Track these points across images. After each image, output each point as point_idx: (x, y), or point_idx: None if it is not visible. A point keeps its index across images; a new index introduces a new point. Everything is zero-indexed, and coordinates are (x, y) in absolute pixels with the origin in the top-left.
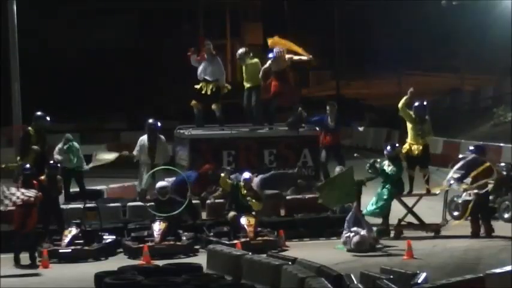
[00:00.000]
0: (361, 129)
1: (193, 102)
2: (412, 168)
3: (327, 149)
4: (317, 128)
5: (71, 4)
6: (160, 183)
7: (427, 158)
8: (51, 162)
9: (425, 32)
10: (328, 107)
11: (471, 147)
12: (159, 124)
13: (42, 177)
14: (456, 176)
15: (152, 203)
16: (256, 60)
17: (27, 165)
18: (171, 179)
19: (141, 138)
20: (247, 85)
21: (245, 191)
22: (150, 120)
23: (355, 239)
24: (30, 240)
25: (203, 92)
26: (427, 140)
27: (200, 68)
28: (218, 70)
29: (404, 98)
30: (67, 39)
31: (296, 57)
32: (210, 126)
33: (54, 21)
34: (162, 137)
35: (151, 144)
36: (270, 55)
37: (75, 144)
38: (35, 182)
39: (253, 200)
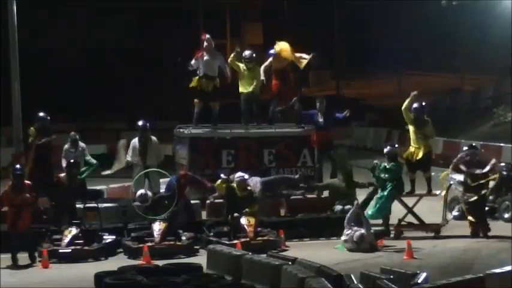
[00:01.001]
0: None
1: (196, 100)
2: (413, 171)
3: (319, 147)
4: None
5: (71, 4)
6: (138, 192)
7: (429, 162)
8: (72, 161)
9: (425, 32)
10: (317, 104)
11: (465, 147)
12: (148, 125)
13: (62, 175)
14: (456, 177)
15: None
16: (254, 66)
17: (18, 166)
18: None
19: (132, 140)
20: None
21: (239, 192)
22: (140, 122)
23: (355, 237)
24: (26, 240)
25: (204, 89)
26: (430, 143)
27: (202, 64)
28: (221, 65)
29: (408, 100)
30: (67, 39)
31: (298, 54)
32: (207, 125)
33: (54, 21)
34: (154, 137)
35: (143, 145)
36: (271, 51)
37: (82, 143)
38: (26, 183)
39: (248, 209)
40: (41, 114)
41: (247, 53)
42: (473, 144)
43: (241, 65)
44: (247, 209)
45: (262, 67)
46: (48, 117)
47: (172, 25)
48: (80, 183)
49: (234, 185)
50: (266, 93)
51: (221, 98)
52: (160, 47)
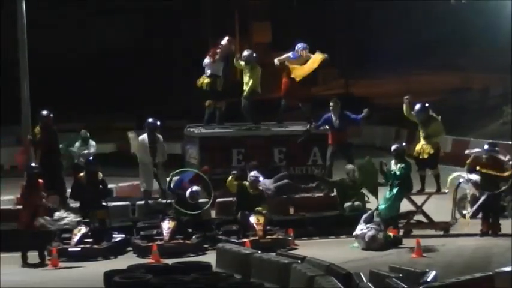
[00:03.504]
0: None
1: (209, 101)
2: (422, 169)
3: (334, 147)
4: (327, 126)
5: (79, 4)
6: (196, 189)
7: (436, 159)
8: (90, 158)
9: (434, 30)
10: (331, 104)
11: (486, 146)
12: (158, 123)
13: (81, 174)
14: (464, 174)
15: (173, 200)
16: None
17: (33, 164)
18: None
19: (140, 137)
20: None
21: (251, 190)
22: (150, 120)
23: (367, 237)
24: (39, 239)
25: (217, 88)
26: (439, 140)
27: (215, 65)
28: (225, 66)
29: (404, 106)
30: (76, 38)
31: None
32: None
33: (64, 21)
34: (160, 136)
35: (152, 143)
36: (291, 55)
37: (92, 141)
38: (40, 181)
39: (260, 208)
40: (44, 112)
41: (245, 53)
42: (492, 142)
43: (242, 63)
44: (258, 208)
45: (278, 58)
46: (51, 114)
47: (182, 25)
48: (102, 181)
49: (246, 183)
50: (275, 91)
51: (228, 97)
52: (170, 47)
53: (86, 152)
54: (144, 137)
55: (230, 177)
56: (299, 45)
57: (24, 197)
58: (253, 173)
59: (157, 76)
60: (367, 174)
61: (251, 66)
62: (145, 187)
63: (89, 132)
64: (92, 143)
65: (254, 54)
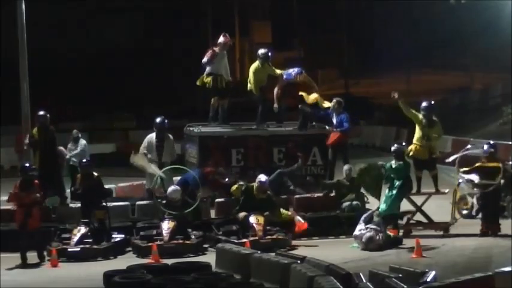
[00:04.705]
0: None
1: (213, 99)
2: (420, 170)
3: (332, 147)
4: (326, 127)
5: (79, 3)
6: (171, 189)
7: (435, 161)
8: (84, 160)
9: (434, 30)
10: (334, 101)
11: (485, 147)
12: (166, 122)
13: (78, 175)
14: (464, 175)
15: (163, 201)
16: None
17: (27, 165)
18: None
19: (148, 136)
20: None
21: (258, 194)
22: (158, 119)
23: (364, 238)
24: (35, 239)
25: (218, 86)
26: (437, 142)
27: (214, 64)
28: (227, 66)
29: (401, 104)
30: (76, 38)
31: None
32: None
33: (64, 21)
34: (170, 135)
35: (159, 142)
36: (285, 77)
37: (82, 141)
38: (36, 182)
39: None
40: (41, 112)
41: (262, 51)
42: (491, 142)
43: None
44: (267, 213)
45: (277, 86)
46: (48, 115)
47: (182, 25)
48: (98, 181)
49: (253, 185)
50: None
51: (231, 95)
52: (170, 47)
53: (75, 152)
54: (152, 135)
55: (235, 187)
56: (295, 70)
57: (17, 196)
58: (261, 176)
59: (157, 76)
60: (371, 178)
61: (264, 63)
62: (148, 185)
63: (89, 132)
64: (82, 142)
65: (260, 52)
